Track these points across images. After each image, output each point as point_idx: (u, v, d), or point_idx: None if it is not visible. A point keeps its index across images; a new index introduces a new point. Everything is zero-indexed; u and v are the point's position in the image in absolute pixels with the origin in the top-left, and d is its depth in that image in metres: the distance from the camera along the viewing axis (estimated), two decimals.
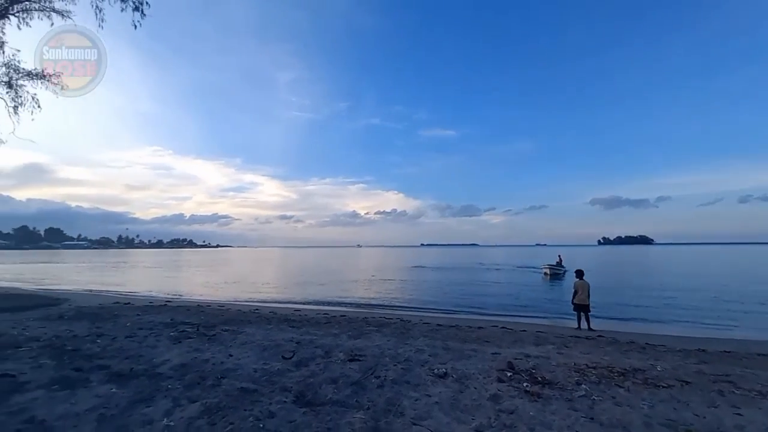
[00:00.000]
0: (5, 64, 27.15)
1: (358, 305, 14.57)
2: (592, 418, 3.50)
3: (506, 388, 4.32)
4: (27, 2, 25.40)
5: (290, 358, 5.35)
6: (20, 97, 27.39)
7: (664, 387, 4.46)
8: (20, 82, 27.32)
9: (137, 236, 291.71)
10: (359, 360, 5.32)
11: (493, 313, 12.74)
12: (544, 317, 12.09)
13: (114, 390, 3.96)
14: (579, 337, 8.07)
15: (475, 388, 4.36)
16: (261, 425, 3.25)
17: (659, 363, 5.65)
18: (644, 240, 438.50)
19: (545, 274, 27.59)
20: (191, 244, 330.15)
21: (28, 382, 4.14)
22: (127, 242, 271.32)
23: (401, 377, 4.60)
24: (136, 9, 28.60)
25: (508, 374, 4.83)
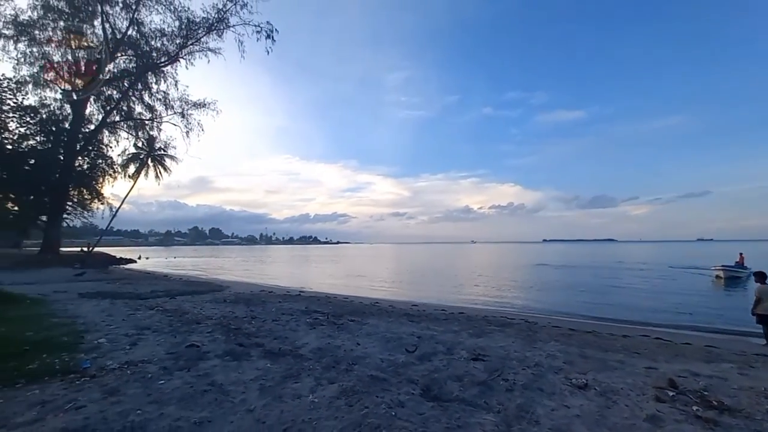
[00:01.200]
0: (179, 99, 34.25)
1: (477, 303, 14.13)
2: None
3: (668, 410, 3.63)
4: (191, 46, 31.71)
5: (413, 351, 5.46)
6: (190, 123, 34.37)
7: None
8: (189, 111, 34.30)
9: (273, 234, 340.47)
10: (483, 360, 5.13)
11: (641, 321, 10.83)
12: (715, 330, 9.75)
13: (269, 365, 4.62)
14: None
15: (626, 405, 3.78)
16: (393, 413, 3.37)
17: None
18: None
19: (717, 277, 22.10)
20: (315, 240, 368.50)
21: (208, 352, 5.13)
22: (266, 239, 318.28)
23: (532, 383, 4.26)
24: (268, 36, 32.83)
25: (670, 394, 4.05)
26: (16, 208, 28.04)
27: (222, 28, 29.46)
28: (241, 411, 3.32)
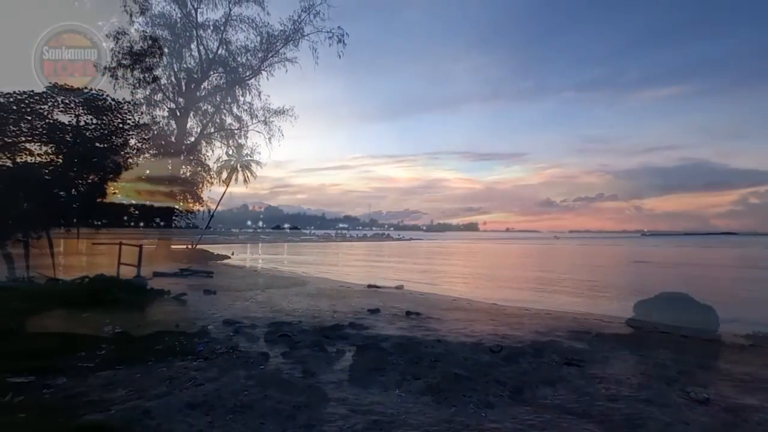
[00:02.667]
0: (262, 108, 37.01)
1: (564, 304, 13.12)
2: None
3: None
4: (271, 59, 34.06)
5: (498, 352, 5.26)
6: (271, 130, 36.96)
7: None
8: (271, 119, 36.87)
9: (348, 231, 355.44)
10: (578, 365, 4.74)
11: None
12: None
13: (355, 357, 4.81)
14: None
15: (759, 424, 3.24)
16: (483, 414, 3.28)
17: None
18: None
19: None
20: (388, 237, 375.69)
21: (299, 342, 5.49)
22: (341, 236, 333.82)
23: (639, 393, 3.84)
24: (339, 41, 33.87)
25: None
26: (137, 212, 33.22)
27: (297, 38, 31.36)
28: (333, 399, 3.50)
